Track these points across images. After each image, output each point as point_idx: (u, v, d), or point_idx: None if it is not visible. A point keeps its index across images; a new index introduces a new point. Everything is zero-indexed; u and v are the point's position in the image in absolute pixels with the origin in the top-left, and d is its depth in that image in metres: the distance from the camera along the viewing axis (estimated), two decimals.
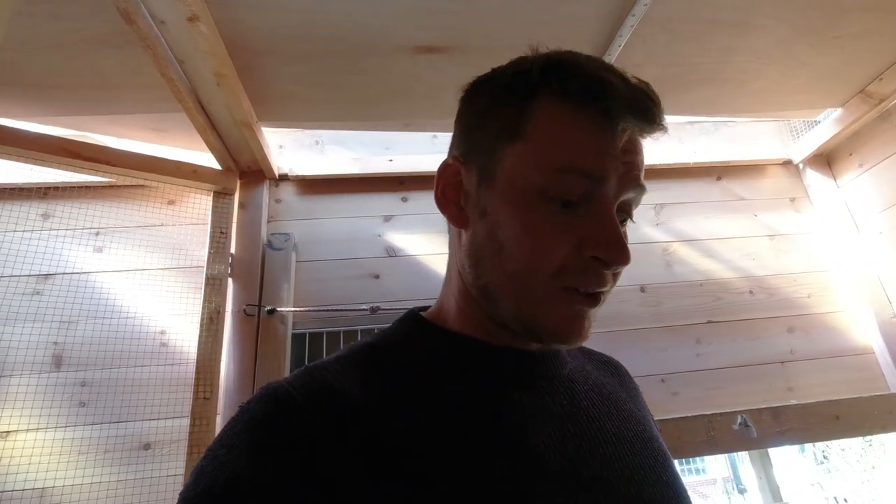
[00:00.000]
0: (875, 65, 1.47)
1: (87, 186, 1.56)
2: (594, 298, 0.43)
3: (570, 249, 0.41)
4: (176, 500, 0.35)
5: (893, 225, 1.60)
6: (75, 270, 1.49)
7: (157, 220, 1.58)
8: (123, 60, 1.19)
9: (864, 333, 1.64)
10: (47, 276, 1.48)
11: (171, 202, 1.61)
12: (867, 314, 1.62)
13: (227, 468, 0.35)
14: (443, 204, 0.48)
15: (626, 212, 0.44)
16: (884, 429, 1.42)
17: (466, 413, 0.42)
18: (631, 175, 0.43)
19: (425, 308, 0.54)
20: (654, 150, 1.80)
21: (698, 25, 1.25)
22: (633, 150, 0.43)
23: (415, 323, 0.50)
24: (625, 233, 0.45)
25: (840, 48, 1.38)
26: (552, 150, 0.41)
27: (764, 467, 2.18)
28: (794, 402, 1.46)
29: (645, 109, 0.41)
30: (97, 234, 1.56)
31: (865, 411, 1.44)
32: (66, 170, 1.38)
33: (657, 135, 0.44)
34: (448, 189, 0.48)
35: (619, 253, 0.41)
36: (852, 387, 1.55)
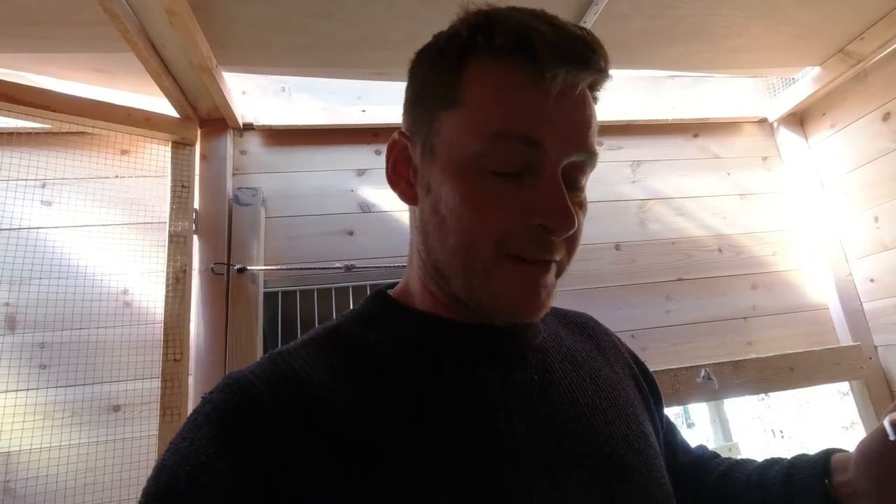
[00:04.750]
0: (857, 23, 1.46)
1: (28, 133, 1.42)
2: (544, 266, 0.41)
3: (513, 218, 0.40)
4: (147, 464, 0.34)
5: (858, 186, 1.65)
6: (22, 226, 1.39)
7: (110, 171, 1.46)
8: None
9: (821, 291, 1.72)
10: None
11: (124, 152, 1.49)
12: (825, 272, 1.70)
13: (189, 462, 0.34)
14: (394, 181, 0.48)
15: (576, 176, 0.42)
16: (832, 379, 1.53)
17: (434, 397, 0.41)
18: (573, 135, 0.40)
19: (393, 285, 0.52)
20: (634, 104, 1.77)
21: None
22: (576, 106, 0.41)
23: (381, 303, 0.49)
24: (583, 198, 0.43)
25: (825, 4, 1.36)
26: (486, 113, 0.40)
27: (718, 410, 2.34)
28: (753, 355, 1.55)
29: (576, 53, 0.39)
30: (43, 185, 1.44)
31: (816, 363, 1.54)
32: None
33: (599, 82, 0.42)
34: (398, 165, 0.47)
35: (563, 219, 0.39)
36: (807, 340, 1.64)
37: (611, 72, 0.42)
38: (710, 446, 2.27)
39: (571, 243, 0.43)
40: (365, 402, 0.39)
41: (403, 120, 0.49)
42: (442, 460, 0.38)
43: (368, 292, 1.67)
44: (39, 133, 1.42)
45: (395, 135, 0.48)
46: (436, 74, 0.44)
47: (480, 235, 0.40)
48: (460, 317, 0.45)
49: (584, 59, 0.39)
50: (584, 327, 0.59)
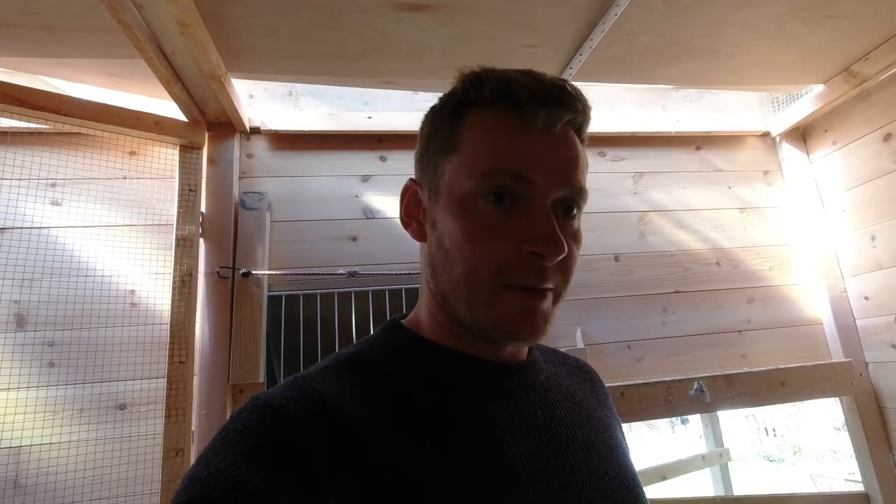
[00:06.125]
0: (863, 44, 1.46)
1: (39, 133, 1.44)
2: (540, 293, 0.45)
3: (509, 247, 0.43)
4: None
5: (856, 204, 1.67)
6: (34, 225, 1.41)
7: (118, 172, 1.48)
8: (64, 1, 1.07)
9: (816, 306, 1.74)
10: (1, 229, 1.39)
11: (132, 153, 1.51)
12: (820, 288, 1.72)
13: (224, 474, 0.35)
14: (406, 223, 0.53)
15: (567, 209, 0.46)
16: (822, 394, 1.56)
17: (445, 424, 0.44)
18: (560, 171, 0.45)
19: (405, 315, 0.55)
20: (638, 115, 1.78)
21: None
22: (560, 145, 0.45)
23: (395, 332, 0.52)
24: (576, 230, 0.47)
25: (831, 27, 1.36)
26: (479, 154, 0.45)
27: (710, 418, 2.37)
28: (746, 369, 1.57)
29: (554, 97, 0.44)
30: (53, 185, 1.46)
31: (808, 378, 1.57)
32: (11, 118, 1.27)
33: (580, 124, 0.47)
34: (410, 208, 0.52)
35: (552, 245, 0.43)
36: (799, 355, 1.67)
37: (591, 115, 0.48)
38: (702, 447, 2.30)
39: (565, 271, 0.46)
40: (382, 425, 0.42)
41: (415, 169, 0.54)
42: (451, 488, 0.41)
43: (371, 298, 1.66)
44: (50, 133, 1.44)
45: (408, 182, 0.53)
46: (438, 127, 0.50)
47: (481, 264, 0.44)
48: (469, 348, 0.49)
49: (561, 102, 0.44)
50: (581, 370, 0.63)
